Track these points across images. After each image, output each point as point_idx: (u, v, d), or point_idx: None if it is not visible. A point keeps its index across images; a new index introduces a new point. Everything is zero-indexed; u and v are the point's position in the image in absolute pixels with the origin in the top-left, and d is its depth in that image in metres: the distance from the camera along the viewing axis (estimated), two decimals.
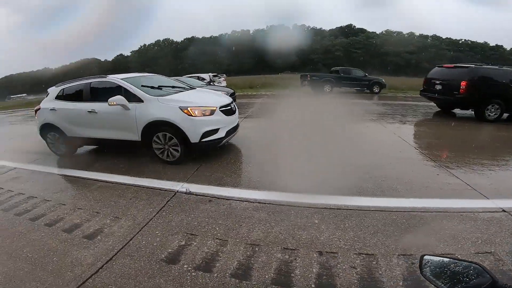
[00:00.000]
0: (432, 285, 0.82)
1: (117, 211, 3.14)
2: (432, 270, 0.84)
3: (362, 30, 71.21)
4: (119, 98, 4.29)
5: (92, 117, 4.70)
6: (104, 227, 2.84)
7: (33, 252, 2.54)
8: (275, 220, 2.76)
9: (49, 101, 5.29)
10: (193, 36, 78.61)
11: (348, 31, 72.88)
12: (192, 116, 4.15)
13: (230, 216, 2.88)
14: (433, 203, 2.98)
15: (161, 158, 4.45)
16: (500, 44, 66.02)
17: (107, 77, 4.83)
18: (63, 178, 4.46)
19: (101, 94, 4.67)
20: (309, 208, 2.93)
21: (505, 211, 2.77)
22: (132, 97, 4.39)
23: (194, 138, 4.16)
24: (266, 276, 2.04)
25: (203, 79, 14.67)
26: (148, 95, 4.41)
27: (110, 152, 5.37)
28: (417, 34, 66.42)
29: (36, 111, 5.51)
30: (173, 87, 5.25)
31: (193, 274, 2.12)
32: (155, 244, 2.50)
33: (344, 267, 2.10)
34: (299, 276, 2.03)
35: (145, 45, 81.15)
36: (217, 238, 2.52)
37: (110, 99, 4.27)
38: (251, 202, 3.14)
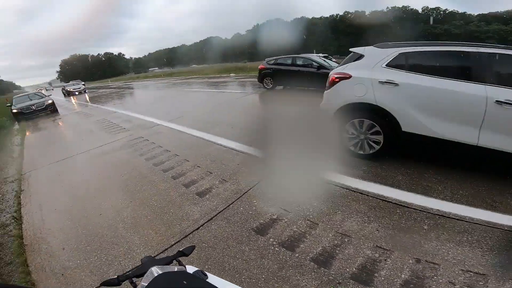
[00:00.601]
0: None
1: (225, 174, 3.57)
2: None
3: None
4: None
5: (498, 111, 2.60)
6: (213, 187, 3.29)
7: (158, 201, 3.14)
8: (376, 215, 2.49)
9: (371, 69, 3.31)
10: (302, 17, 76.90)
11: (508, 16, 54.52)
12: None
13: (327, 201, 2.76)
14: None
15: None
16: None
17: None
18: (190, 137, 5.35)
19: None
20: (421, 212, 2.49)
21: None
22: None
23: None
24: (347, 269, 1.93)
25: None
26: None
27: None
28: None
29: (336, 79, 3.61)
30: None
31: (276, 249, 2.19)
32: (250, 212, 2.70)
33: (440, 280, 1.78)
34: (382, 278, 1.84)
35: (257, 24, 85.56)
36: (308, 220, 2.50)
37: None
38: (352, 191, 2.90)
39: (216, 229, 2.50)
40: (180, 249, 1.07)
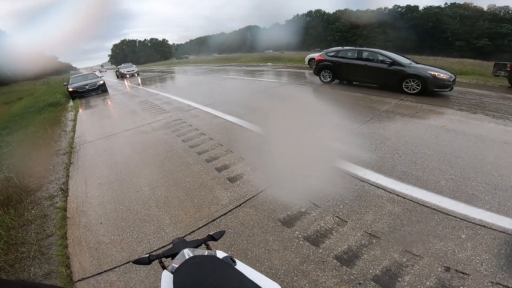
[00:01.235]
0: None
1: (258, 162, 3.57)
2: None
3: None
4: None
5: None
6: (244, 174, 3.32)
7: (191, 183, 3.24)
8: (410, 219, 2.37)
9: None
10: (346, 8, 72.31)
11: None
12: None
13: (360, 199, 2.68)
14: None
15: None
16: None
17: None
18: (225, 122, 5.48)
19: None
20: (461, 220, 2.33)
21: None
22: None
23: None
24: (370, 271, 1.87)
25: None
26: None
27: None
28: None
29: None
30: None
31: (300, 242, 2.17)
32: (279, 202, 2.68)
33: None
34: (406, 283, 1.76)
35: (298, 14, 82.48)
36: (337, 216, 2.45)
37: None
38: (388, 191, 2.80)
39: (243, 216, 2.53)
40: (210, 233, 1.09)
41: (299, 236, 2.24)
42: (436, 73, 7.23)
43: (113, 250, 2.31)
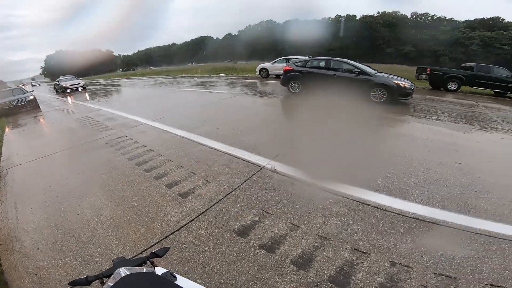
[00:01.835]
0: None
1: (209, 175, 3.54)
2: None
3: None
4: None
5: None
6: (196, 188, 3.25)
7: (139, 201, 3.08)
8: (355, 218, 2.56)
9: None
10: (295, 19, 77.26)
11: (493, 23, 56.46)
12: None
13: (309, 203, 2.81)
14: None
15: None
16: None
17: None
18: (175, 137, 5.28)
19: None
20: (397, 215, 2.58)
21: None
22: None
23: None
24: (325, 272, 1.96)
25: None
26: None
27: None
28: None
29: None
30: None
31: (256, 251, 2.20)
32: (232, 214, 2.69)
33: (414, 284, 1.83)
34: (359, 281, 1.88)
35: (250, 25, 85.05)
36: (289, 222, 2.53)
37: None
38: (333, 194, 2.98)
39: (197, 230, 2.49)
40: (154, 251, 1.07)
41: (255, 244, 2.26)
42: (400, 82, 7.48)
43: (56, 275, 2.17)
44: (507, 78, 11.81)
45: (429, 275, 1.90)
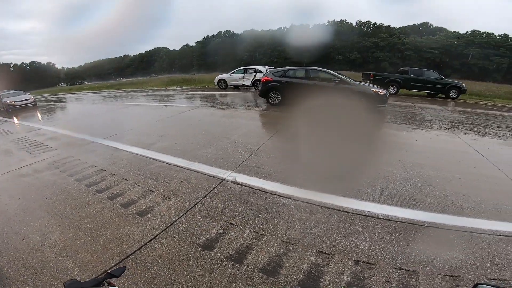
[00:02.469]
0: None
1: (168, 191, 3.41)
2: None
3: (441, 29, 62.50)
4: None
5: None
6: (155, 206, 3.10)
7: (92, 223, 2.87)
8: (316, 221, 2.67)
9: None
10: (252, 29, 79.61)
11: (423, 29, 64.94)
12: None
13: (271, 211, 2.87)
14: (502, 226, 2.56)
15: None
16: None
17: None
18: (129, 155, 4.98)
19: None
20: (354, 215, 2.76)
21: None
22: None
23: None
24: (295, 277, 2.01)
25: (260, 71, 15.12)
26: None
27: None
28: None
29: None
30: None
31: (224, 263, 2.18)
32: (195, 228, 2.64)
33: (378, 280, 1.96)
34: (328, 282, 1.95)
35: (208, 36, 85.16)
36: (254, 231, 2.55)
37: None
38: (294, 199, 3.08)
39: (160, 248, 2.40)
40: (109, 271, 1.03)
41: (222, 257, 2.24)
42: (377, 90, 7.62)
43: None
44: (437, 80, 13.58)
45: (391, 271, 2.04)
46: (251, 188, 3.39)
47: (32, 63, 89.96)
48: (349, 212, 2.80)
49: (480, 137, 5.86)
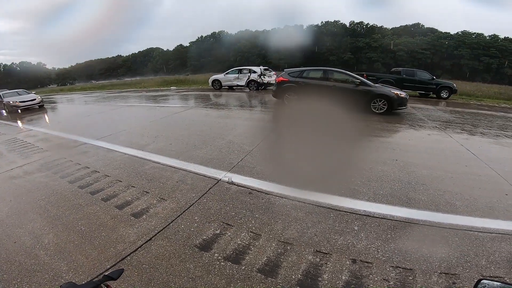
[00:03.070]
0: None
1: (164, 192, 3.37)
2: None
3: (433, 30, 63.50)
4: None
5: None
6: (151, 207, 3.07)
7: (86, 225, 2.83)
8: (312, 221, 2.67)
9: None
10: (246, 29, 79.43)
11: (415, 30, 65.89)
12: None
13: (268, 211, 2.87)
14: (495, 224, 2.60)
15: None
16: None
17: None
18: (123, 156, 4.92)
19: None
20: (350, 214, 2.78)
21: None
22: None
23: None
24: (293, 277, 2.01)
25: (254, 71, 15.10)
26: None
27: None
28: (502, 37, 56.14)
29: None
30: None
31: (221, 263, 2.17)
32: (192, 229, 2.61)
33: (376, 278, 1.98)
34: (326, 281, 1.96)
35: (202, 36, 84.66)
36: (251, 231, 2.55)
37: None
38: (290, 199, 3.08)
39: (157, 249, 2.37)
40: (106, 273, 1.01)
41: (219, 258, 2.23)
42: (398, 92, 7.52)
43: None
44: (429, 81, 13.79)
45: (388, 269, 2.06)
46: (247, 188, 3.38)
47: (22, 63, 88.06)
48: (345, 211, 2.82)
49: (471, 136, 5.97)
